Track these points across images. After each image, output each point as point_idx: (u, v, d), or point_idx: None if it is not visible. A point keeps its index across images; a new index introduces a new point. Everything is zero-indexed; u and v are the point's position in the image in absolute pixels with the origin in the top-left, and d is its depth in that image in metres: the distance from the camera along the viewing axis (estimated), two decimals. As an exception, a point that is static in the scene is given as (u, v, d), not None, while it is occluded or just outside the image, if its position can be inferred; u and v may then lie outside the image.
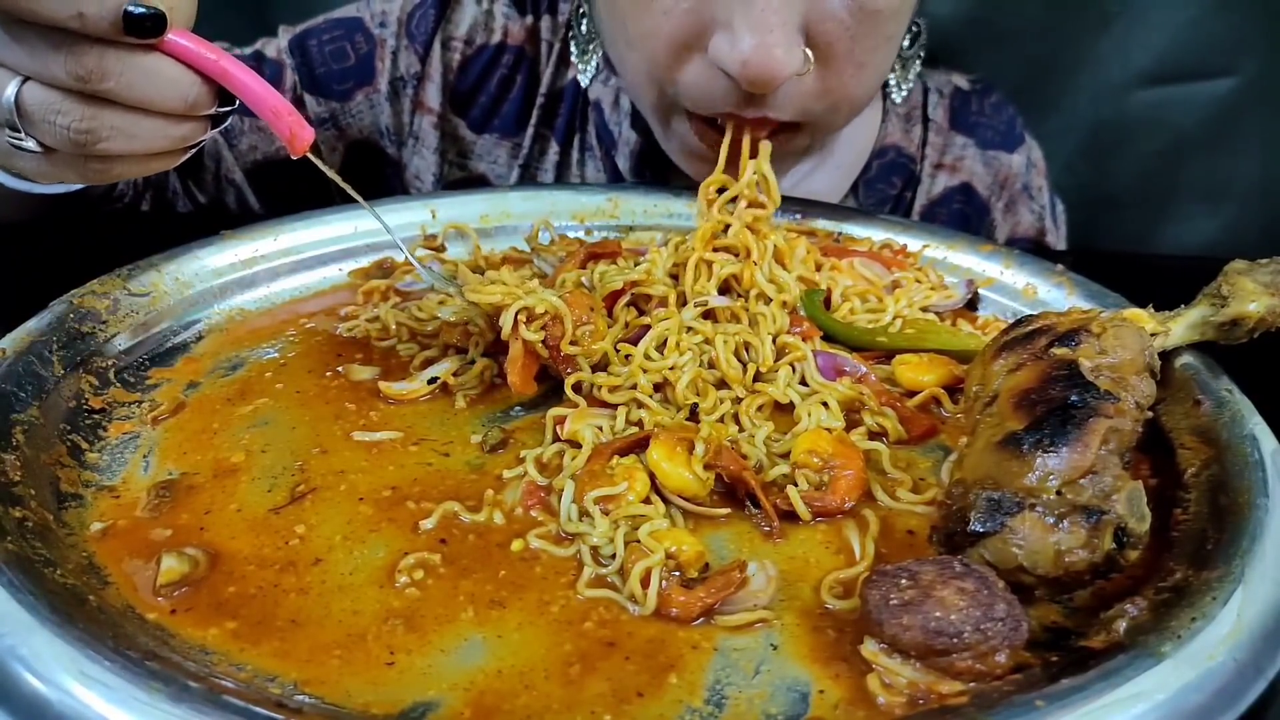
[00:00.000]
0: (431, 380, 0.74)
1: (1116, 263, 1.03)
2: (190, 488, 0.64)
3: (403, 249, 0.79)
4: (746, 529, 0.62)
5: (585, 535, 0.59)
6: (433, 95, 1.14)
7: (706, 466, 0.62)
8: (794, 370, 0.76)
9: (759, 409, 0.72)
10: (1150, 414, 0.64)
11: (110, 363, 0.74)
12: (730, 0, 0.78)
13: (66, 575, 0.53)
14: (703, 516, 0.63)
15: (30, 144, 0.61)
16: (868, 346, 0.81)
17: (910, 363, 0.77)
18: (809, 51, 0.82)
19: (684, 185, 1.03)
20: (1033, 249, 1.13)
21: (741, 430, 0.70)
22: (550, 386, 0.73)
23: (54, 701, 0.44)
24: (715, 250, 0.82)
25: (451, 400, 0.73)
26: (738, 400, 0.72)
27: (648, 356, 0.73)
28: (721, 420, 0.70)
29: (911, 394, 0.75)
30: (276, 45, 1.13)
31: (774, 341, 0.77)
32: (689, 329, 0.75)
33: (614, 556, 0.58)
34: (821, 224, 0.98)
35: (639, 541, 0.58)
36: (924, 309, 0.86)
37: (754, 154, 0.86)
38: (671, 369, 0.72)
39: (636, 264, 0.83)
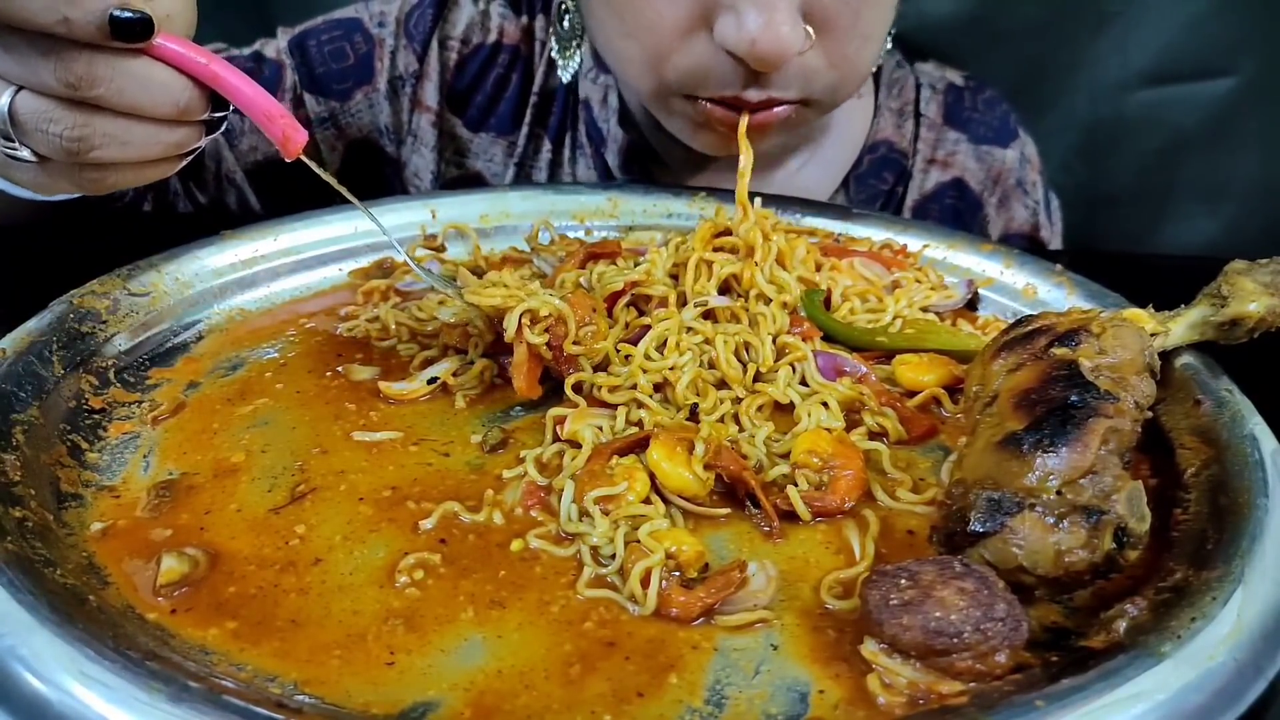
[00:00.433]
0: (431, 380, 0.74)
1: (1116, 263, 1.03)
2: (190, 488, 0.64)
3: (399, 250, 0.78)
4: (746, 529, 0.62)
5: (585, 535, 0.59)
6: (430, 94, 1.15)
7: (706, 466, 0.62)
8: (794, 370, 0.75)
9: (759, 409, 0.72)
10: (1150, 414, 0.64)
11: (110, 363, 0.74)
12: None
13: (66, 575, 0.53)
14: (703, 516, 0.63)
15: (25, 154, 0.61)
16: (868, 346, 0.81)
17: (910, 363, 0.77)
18: (809, 29, 0.83)
19: (683, 186, 1.04)
20: (1027, 245, 1.14)
21: (741, 430, 0.70)
22: (550, 386, 0.73)
23: (54, 701, 0.44)
24: (715, 250, 0.82)
25: (451, 400, 0.73)
26: (737, 400, 0.72)
27: (648, 356, 0.73)
28: (721, 420, 0.71)
29: (912, 394, 0.75)
30: (275, 46, 1.13)
31: (774, 342, 0.77)
32: (689, 329, 0.75)
33: (614, 556, 0.58)
34: (822, 224, 0.98)
35: (639, 541, 0.58)
36: (924, 309, 0.86)
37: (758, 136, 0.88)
38: (671, 369, 0.72)
39: (636, 264, 0.83)
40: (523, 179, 1.18)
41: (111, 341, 0.75)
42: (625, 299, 0.78)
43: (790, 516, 0.62)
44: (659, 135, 1.11)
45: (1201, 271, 0.71)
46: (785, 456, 0.67)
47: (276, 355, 0.79)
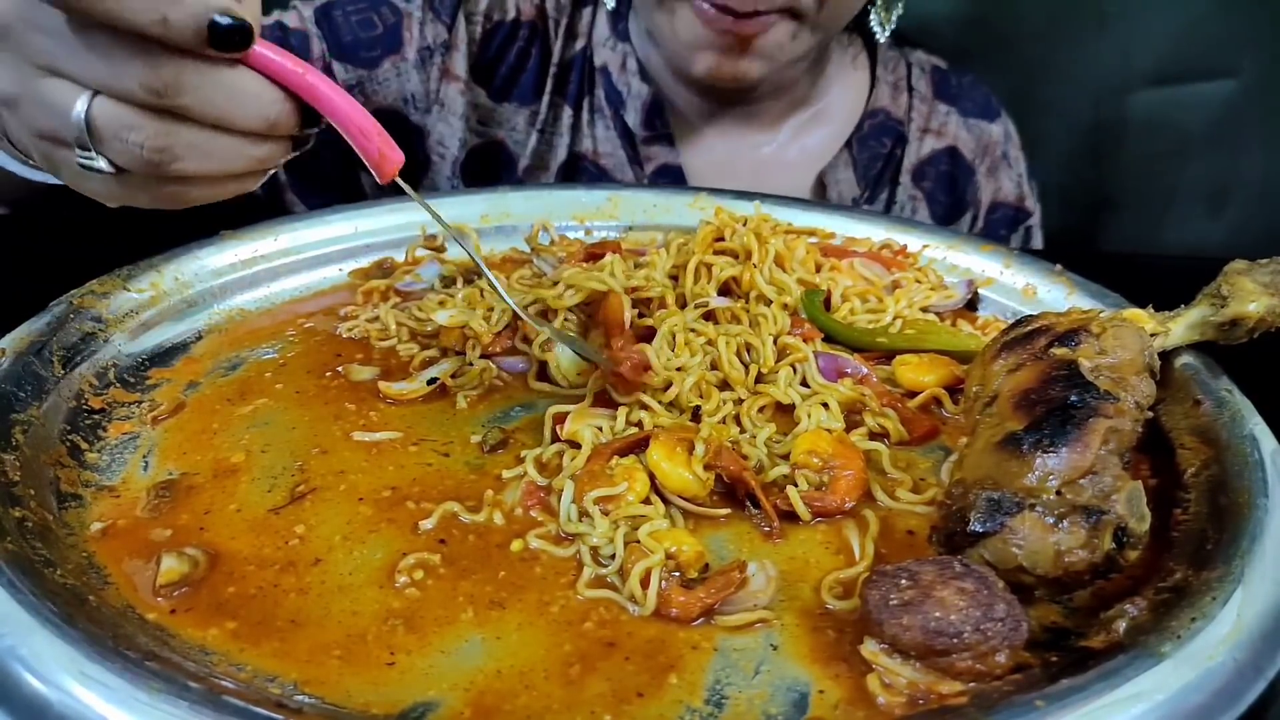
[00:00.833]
0: (431, 381, 0.74)
1: (1116, 263, 1.03)
2: (190, 488, 0.64)
3: (492, 279, 0.72)
4: (746, 529, 0.62)
5: (585, 535, 0.59)
6: (459, 64, 1.20)
7: (706, 467, 0.62)
8: (795, 371, 0.75)
9: (760, 410, 0.72)
10: (1150, 414, 0.64)
11: (110, 363, 0.74)
12: None
13: (66, 575, 0.53)
14: (703, 517, 0.63)
15: (101, 163, 0.56)
16: (868, 347, 0.81)
17: (910, 363, 0.77)
18: None
19: (671, 180, 1.06)
20: (1014, 214, 1.29)
21: (743, 431, 0.70)
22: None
23: (54, 701, 0.44)
24: (716, 254, 0.82)
25: (451, 400, 0.73)
26: (739, 401, 0.72)
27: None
28: (724, 422, 0.70)
29: (912, 394, 0.75)
30: (298, 15, 1.16)
31: (775, 343, 0.77)
32: (692, 330, 0.75)
33: (614, 557, 0.58)
34: (822, 224, 0.98)
35: (639, 542, 0.58)
36: (924, 309, 0.86)
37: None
38: (679, 370, 0.72)
39: (636, 265, 0.83)
40: (544, 145, 1.24)
41: (111, 341, 0.75)
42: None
43: (790, 517, 0.62)
44: (677, 87, 1.22)
45: (1201, 272, 0.71)
46: (785, 457, 0.67)
47: (276, 355, 0.79)
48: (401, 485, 0.64)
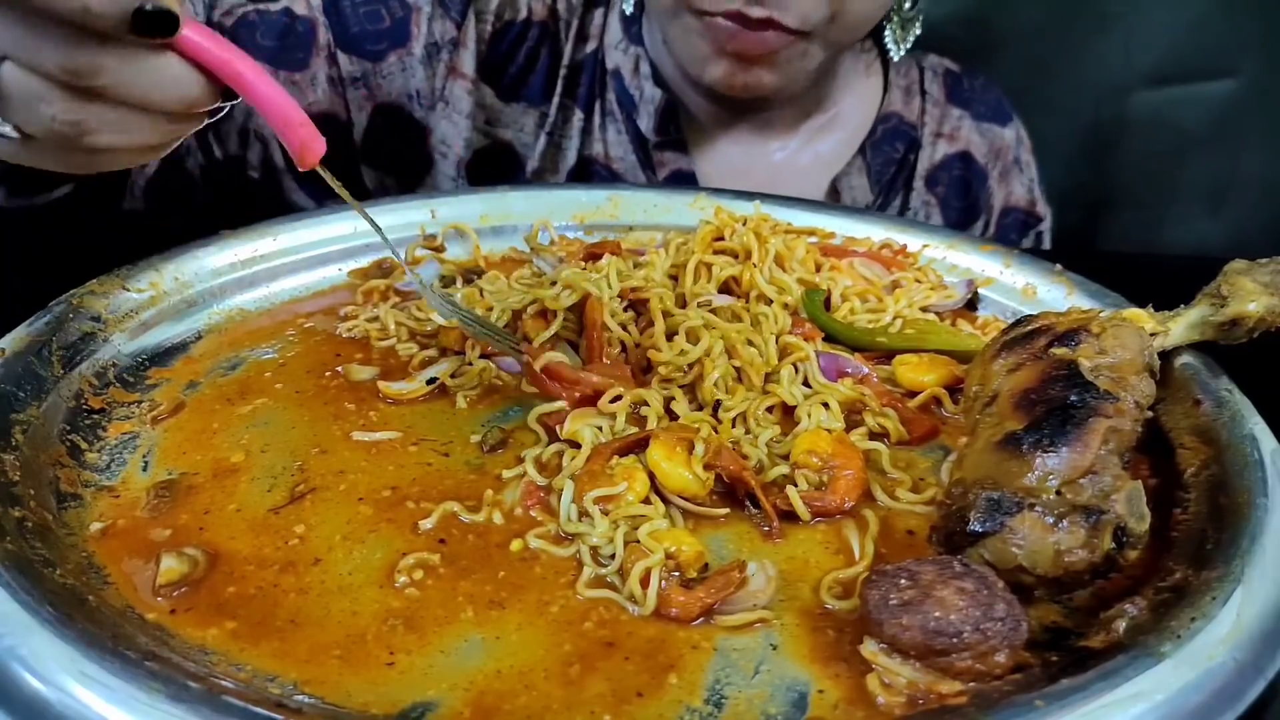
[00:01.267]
0: (430, 381, 0.74)
1: (1116, 263, 1.03)
2: (190, 488, 0.64)
3: (410, 272, 0.76)
4: (746, 529, 0.62)
5: (585, 535, 0.59)
6: (467, 62, 1.18)
7: (706, 466, 0.62)
8: (797, 370, 0.75)
9: (767, 410, 0.72)
10: (1150, 414, 0.64)
11: (110, 363, 0.74)
12: None
13: (66, 575, 0.53)
14: (702, 516, 0.63)
15: (7, 129, 0.55)
16: (868, 347, 0.81)
17: (910, 363, 0.77)
18: None
19: (681, 185, 1.05)
20: (1025, 218, 1.29)
21: (747, 431, 0.70)
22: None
23: (54, 701, 0.44)
24: (715, 253, 0.82)
25: (451, 400, 0.73)
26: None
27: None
28: (733, 422, 0.70)
29: (912, 394, 0.75)
30: (306, 2, 1.14)
31: (776, 342, 0.77)
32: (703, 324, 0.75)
33: (614, 556, 0.58)
34: (821, 223, 0.98)
35: (639, 542, 0.58)
36: (924, 309, 0.86)
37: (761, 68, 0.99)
38: (706, 356, 0.72)
39: (636, 265, 0.83)
40: (553, 148, 1.22)
41: (111, 341, 0.75)
42: (623, 303, 0.78)
43: (790, 516, 0.62)
44: (690, 93, 1.20)
45: (1201, 271, 0.71)
46: (785, 457, 0.67)
47: (276, 355, 0.79)
48: (401, 485, 0.64)
